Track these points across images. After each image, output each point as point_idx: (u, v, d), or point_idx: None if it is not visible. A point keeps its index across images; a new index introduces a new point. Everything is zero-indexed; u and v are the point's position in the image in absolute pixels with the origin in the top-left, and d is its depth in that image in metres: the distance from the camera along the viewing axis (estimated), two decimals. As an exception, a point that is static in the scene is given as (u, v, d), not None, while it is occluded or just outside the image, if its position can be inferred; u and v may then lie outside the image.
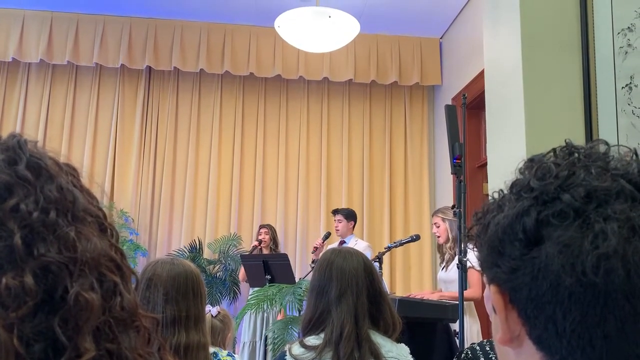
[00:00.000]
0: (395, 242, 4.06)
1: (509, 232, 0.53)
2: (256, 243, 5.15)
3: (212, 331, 2.49)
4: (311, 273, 2.44)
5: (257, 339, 4.88)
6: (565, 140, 0.56)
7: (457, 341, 2.85)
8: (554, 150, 0.56)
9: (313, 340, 1.74)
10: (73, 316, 0.44)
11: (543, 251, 0.50)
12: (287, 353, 1.75)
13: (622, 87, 2.23)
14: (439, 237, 3.82)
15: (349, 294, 1.75)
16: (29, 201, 0.46)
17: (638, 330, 0.47)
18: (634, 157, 0.54)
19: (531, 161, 0.56)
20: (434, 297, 3.58)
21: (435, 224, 3.86)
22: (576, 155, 0.54)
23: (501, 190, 0.58)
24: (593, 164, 0.52)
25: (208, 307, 2.56)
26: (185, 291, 1.58)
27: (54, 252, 0.45)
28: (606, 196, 0.50)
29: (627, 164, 0.53)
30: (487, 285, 0.58)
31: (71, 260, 0.46)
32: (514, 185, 0.56)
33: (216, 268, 5.66)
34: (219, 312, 2.58)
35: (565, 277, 0.48)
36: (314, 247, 4.90)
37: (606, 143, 0.55)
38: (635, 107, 2.21)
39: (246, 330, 4.93)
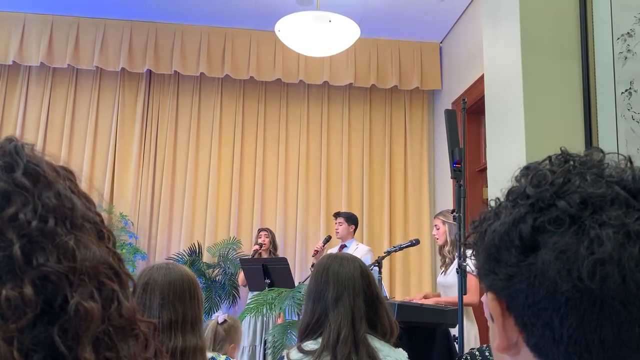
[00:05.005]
0: (394, 247, 4.05)
1: (505, 239, 0.54)
2: (257, 247, 5.13)
3: (215, 337, 2.49)
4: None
5: (257, 343, 4.86)
6: (560, 148, 0.56)
7: (457, 346, 2.85)
8: (549, 157, 0.56)
9: (311, 345, 1.74)
10: (73, 326, 0.44)
11: (539, 257, 0.50)
12: (285, 358, 1.75)
13: (622, 93, 2.23)
14: (437, 239, 3.82)
15: (346, 297, 1.75)
16: (27, 210, 0.45)
17: (634, 335, 0.47)
18: (629, 164, 0.54)
19: (527, 169, 0.57)
20: (429, 302, 3.55)
21: (435, 226, 3.85)
22: (571, 162, 0.54)
23: (498, 198, 0.58)
24: (588, 171, 0.53)
25: (218, 312, 2.57)
26: (181, 295, 1.58)
27: (53, 262, 0.44)
28: (601, 202, 0.50)
29: (621, 171, 0.53)
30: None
31: (71, 269, 0.45)
32: (510, 192, 0.56)
33: (215, 272, 5.64)
34: (225, 321, 2.57)
35: (562, 283, 0.49)
36: (315, 250, 4.90)
37: (601, 151, 0.55)
38: (635, 113, 2.21)
39: (245, 334, 4.91)
